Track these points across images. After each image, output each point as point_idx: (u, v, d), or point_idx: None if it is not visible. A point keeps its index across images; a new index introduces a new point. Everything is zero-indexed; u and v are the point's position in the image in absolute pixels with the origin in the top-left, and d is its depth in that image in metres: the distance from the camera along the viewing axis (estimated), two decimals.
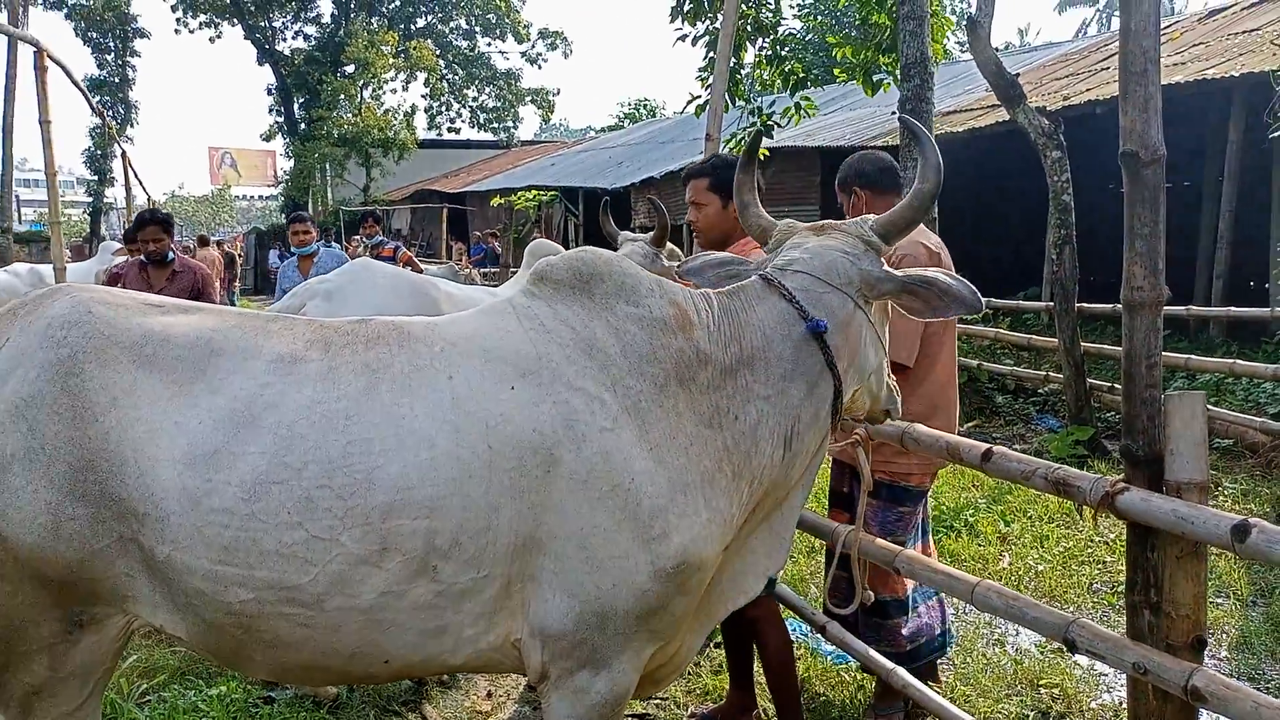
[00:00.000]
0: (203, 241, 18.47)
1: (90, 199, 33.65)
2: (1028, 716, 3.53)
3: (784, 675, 3.25)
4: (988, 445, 2.69)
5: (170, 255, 5.91)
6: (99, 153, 31.84)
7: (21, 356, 1.97)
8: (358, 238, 11.77)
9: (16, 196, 23.81)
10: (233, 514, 1.92)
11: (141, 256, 5.99)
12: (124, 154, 14.22)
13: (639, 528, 2.01)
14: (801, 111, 9.57)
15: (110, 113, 26.52)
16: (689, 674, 3.75)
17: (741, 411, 2.17)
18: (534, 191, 23.36)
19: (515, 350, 2.10)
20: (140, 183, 15.40)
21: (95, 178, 32.62)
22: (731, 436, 2.16)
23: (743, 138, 9.89)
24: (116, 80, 33.60)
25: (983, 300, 2.29)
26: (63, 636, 2.02)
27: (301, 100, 36.14)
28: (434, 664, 2.13)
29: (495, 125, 40.73)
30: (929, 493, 3.57)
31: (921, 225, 3.56)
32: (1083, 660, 3.97)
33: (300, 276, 6.75)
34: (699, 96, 9.22)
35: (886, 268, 2.29)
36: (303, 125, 35.83)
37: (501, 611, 2.07)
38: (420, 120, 38.77)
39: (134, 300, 2.19)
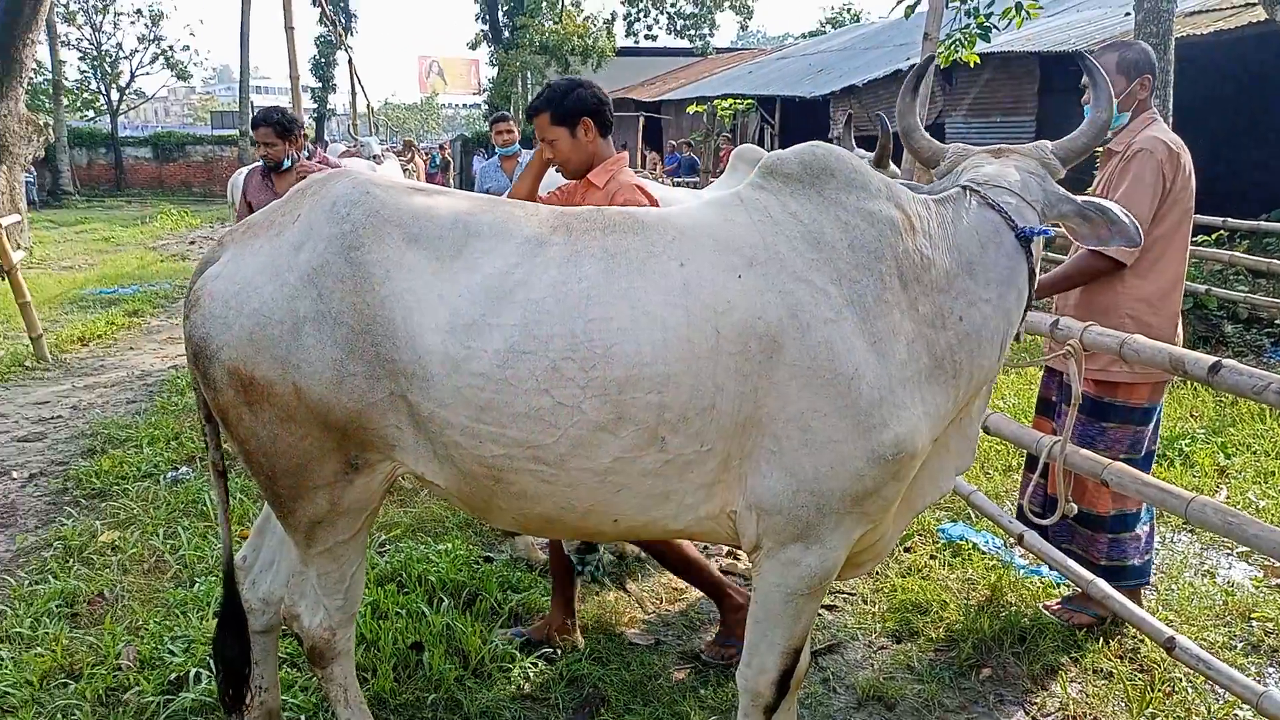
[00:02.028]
0: (408, 146, 19.50)
1: (315, 105, 36.00)
2: (1236, 647, 3.41)
3: (687, 571, 3.39)
4: (1216, 358, 2.58)
5: (287, 161, 5.35)
6: (323, 60, 33.93)
7: (311, 230, 2.23)
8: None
9: (251, 102, 25.78)
10: (488, 378, 2.13)
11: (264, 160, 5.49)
12: (350, 60, 15.12)
13: (858, 415, 2.12)
14: (1023, 12, 8.93)
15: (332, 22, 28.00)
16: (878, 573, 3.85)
17: (966, 313, 2.25)
18: (730, 100, 23.02)
19: (743, 240, 2.21)
20: (363, 88, 16.37)
21: (319, 84, 34.83)
22: (955, 336, 2.23)
23: (957, 38, 9.37)
24: None
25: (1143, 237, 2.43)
26: (341, 476, 2.32)
27: (506, 7, 36.83)
28: (656, 527, 2.32)
29: (692, 32, 40.16)
30: (1154, 414, 3.44)
31: (1160, 121, 3.40)
32: None
33: (503, 176, 6.96)
34: None
35: (1065, 192, 2.42)
36: (506, 33, 36.61)
37: (720, 484, 2.23)
38: (618, 28, 38.78)
39: (402, 183, 2.44)
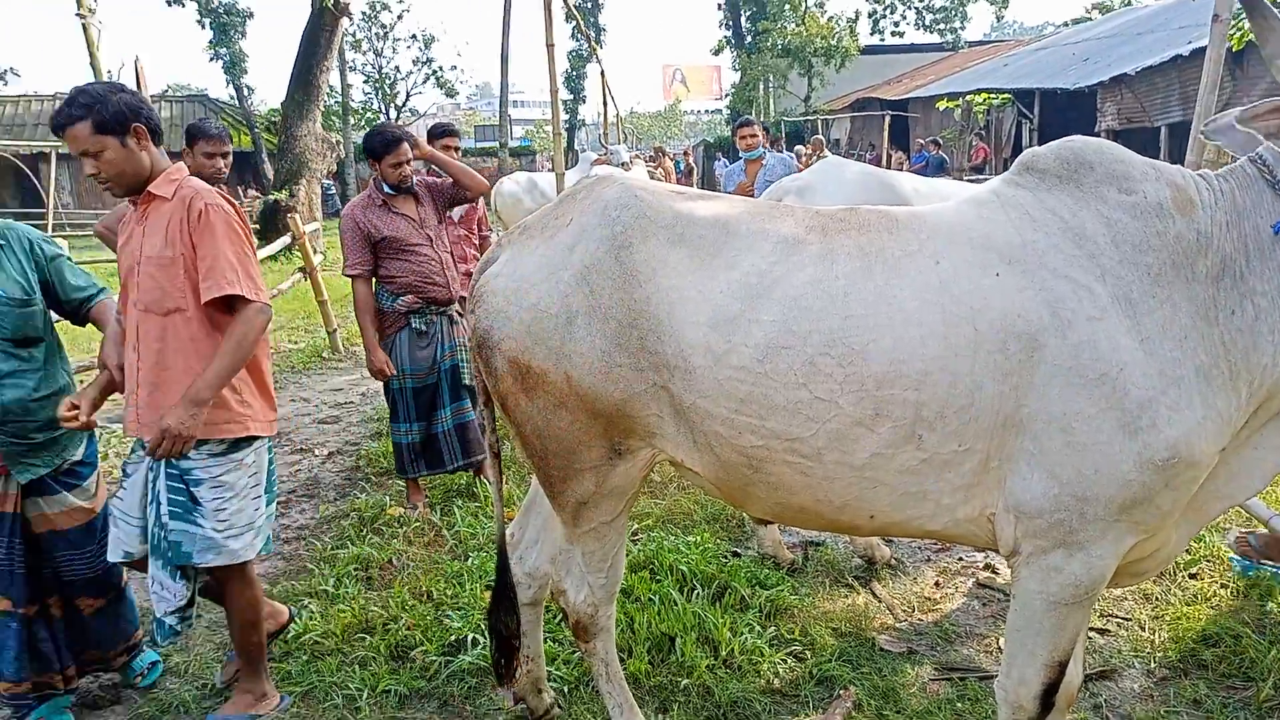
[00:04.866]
0: (659, 152, 20.09)
1: (566, 116, 37.88)
2: None
3: (250, 629, 3.07)
4: None
5: (413, 182, 4.74)
6: (574, 73, 35.74)
7: (583, 232, 2.39)
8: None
9: (509, 115, 27.54)
10: (748, 371, 2.19)
11: (385, 185, 4.66)
12: (602, 72, 15.80)
13: (1125, 417, 2.00)
14: None
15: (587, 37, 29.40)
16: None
17: (1239, 306, 2.07)
18: (983, 95, 21.93)
19: (1000, 238, 2.16)
20: (613, 99, 17.04)
21: (570, 96, 36.67)
22: (1228, 332, 2.06)
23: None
24: (589, 5, 37.05)
25: None
26: (605, 460, 2.45)
27: (749, 12, 37.07)
28: (911, 526, 2.28)
29: (942, 26, 38.62)
30: None
31: None
32: None
33: (746, 179, 7.01)
34: None
35: None
36: (749, 38, 36.84)
37: (979, 485, 2.16)
38: (863, 26, 37.96)
39: (665, 188, 2.55)
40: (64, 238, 10.63)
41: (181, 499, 2.82)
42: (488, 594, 3.57)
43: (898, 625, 3.58)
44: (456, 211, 5.56)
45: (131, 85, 7.19)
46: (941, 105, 22.93)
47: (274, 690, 3.14)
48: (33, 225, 3.17)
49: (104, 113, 2.74)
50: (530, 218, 2.64)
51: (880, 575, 3.99)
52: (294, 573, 4.14)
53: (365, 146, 4.73)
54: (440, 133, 5.49)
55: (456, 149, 5.45)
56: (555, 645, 3.33)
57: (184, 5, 30.69)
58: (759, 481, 2.30)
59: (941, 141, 21.82)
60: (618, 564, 2.68)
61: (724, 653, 3.28)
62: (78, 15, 7.98)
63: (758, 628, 3.43)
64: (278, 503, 5.05)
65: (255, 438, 2.95)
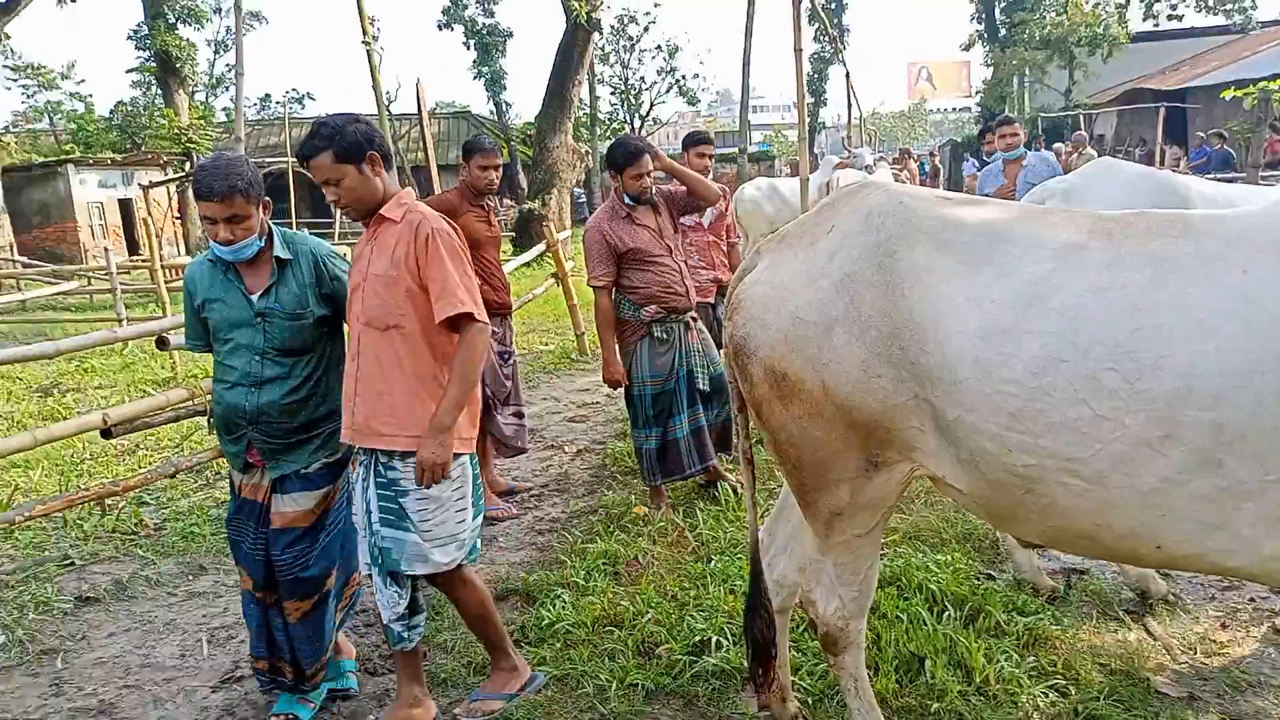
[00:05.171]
0: (905, 154, 19.51)
1: (809, 119, 37.58)
2: None
3: (482, 621, 3.24)
4: None
5: (653, 192, 4.83)
6: (815, 76, 35.45)
7: (845, 239, 2.36)
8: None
9: (748, 121, 27.65)
10: (1021, 385, 2.08)
11: (627, 196, 4.79)
12: (847, 75, 15.55)
13: None
14: None
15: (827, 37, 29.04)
16: None
17: None
18: (1279, 81, 19.51)
19: None
20: (856, 101, 16.72)
21: (812, 99, 36.37)
22: None
23: None
24: (833, 6, 36.58)
25: None
26: (860, 472, 2.41)
27: (1003, 4, 35.17)
28: (1204, 561, 2.08)
29: (1229, 6, 34.77)
30: None
31: None
32: None
33: (1005, 182, 6.62)
34: None
35: None
36: (1003, 31, 34.93)
37: None
38: (1134, 12, 34.92)
39: (931, 194, 2.48)
40: (348, 245, 11.83)
41: (393, 507, 2.95)
42: (730, 597, 3.63)
43: (1176, 667, 3.27)
44: (707, 217, 5.66)
45: (413, 105, 7.87)
46: (1228, 94, 20.58)
47: (525, 664, 3.32)
48: (322, 234, 3.51)
49: (343, 143, 2.90)
50: (789, 225, 2.65)
51: (1155, 611, 3.65)
52: (548, 564, 4.37)
53: (608, 159, 4.88)
54: (695, 141, 5.60)
55: (710, 157, 5.54)
56: (799, 656, 3.30)
57: (453, 29, 33.30)
58: (1030, 503, 2.19)
59: (1227, 135, 19.63)
60: (870, 577, 2.62)
61: (978, 679, 3.12)
62: (363, 43, 8.86)
63: (1015, 656, 3.24)
64: (532, 495, 5.39)
65: (459, 454, 3.00)
